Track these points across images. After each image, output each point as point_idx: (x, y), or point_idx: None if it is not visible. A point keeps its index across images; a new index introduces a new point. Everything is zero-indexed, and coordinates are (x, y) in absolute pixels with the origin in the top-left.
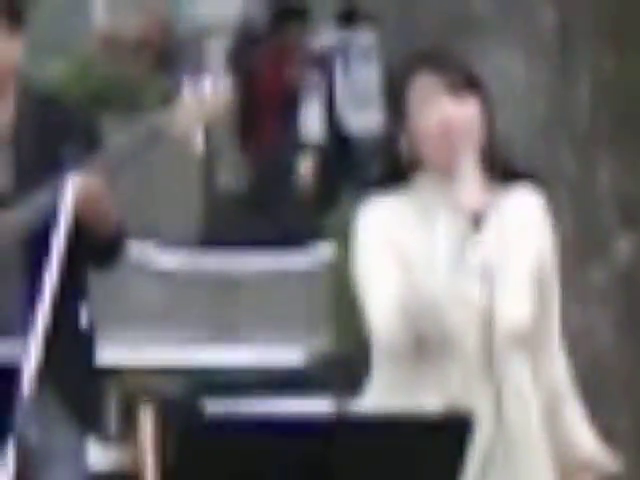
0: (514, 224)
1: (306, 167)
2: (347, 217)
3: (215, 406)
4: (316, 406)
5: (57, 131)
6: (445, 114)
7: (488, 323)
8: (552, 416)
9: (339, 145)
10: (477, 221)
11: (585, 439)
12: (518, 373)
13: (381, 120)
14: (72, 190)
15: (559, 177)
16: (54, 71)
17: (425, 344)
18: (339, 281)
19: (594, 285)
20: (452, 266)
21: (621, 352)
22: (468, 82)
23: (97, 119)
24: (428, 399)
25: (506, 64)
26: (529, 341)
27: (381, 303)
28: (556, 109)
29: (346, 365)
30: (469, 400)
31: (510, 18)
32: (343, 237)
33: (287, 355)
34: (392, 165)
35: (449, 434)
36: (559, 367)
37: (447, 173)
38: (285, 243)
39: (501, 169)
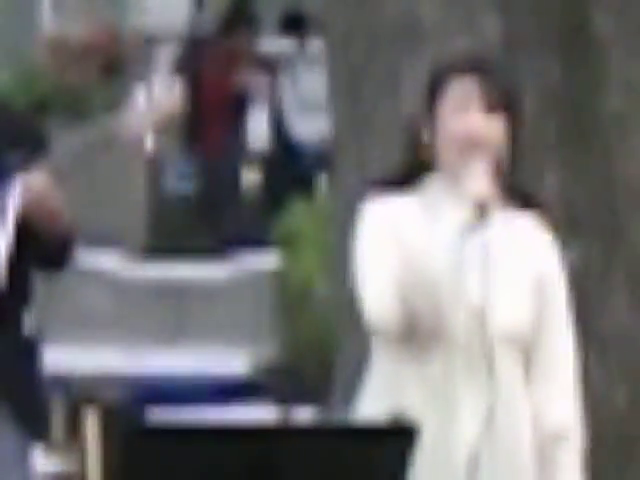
0: (518, 242)
1: (252, 173)
2: (292, 225)
3: (159, 413)
4: (260, 414)
5: (2, 137)
6: (474, 126)
7: (480, 319)
8: (544, 455)
9: (285, 151)
10: (484, 210)
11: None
12: (509, 378)
13: (326, 127)
14: (19, 194)
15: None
16: (0, 77)
17: (416, 329)
18: (285, 288)
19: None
20: (452, 256)
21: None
22: (504, 101)
23: (43, 125)
24: (411, 394)
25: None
26: (524, 349)
27: (377, 284)
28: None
29: (291, 373)
30: (452, 394)
31: (454, 30)
32: (288, 244)
33: (232, 362)
34: (411, 164)
35: (393, 442)
36: (564, 405)
37: (462, 168)
38: (231, 249)
39: (518, 196)
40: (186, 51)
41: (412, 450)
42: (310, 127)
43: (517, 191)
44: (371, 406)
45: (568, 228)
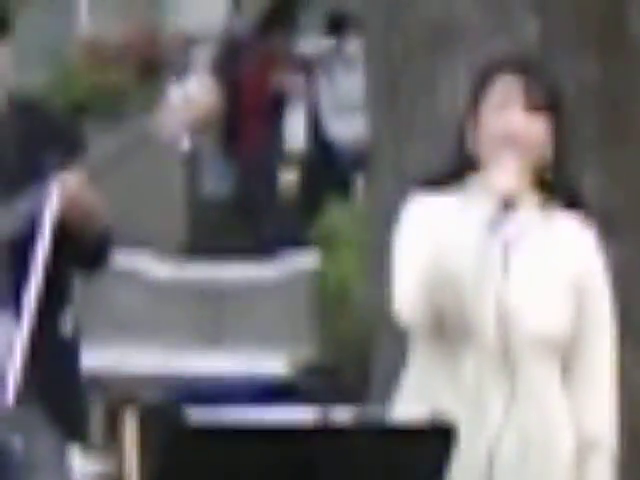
0: (558, 243)
1: (289, 174)
2: (330, 225)
3: (199, 414)
4: (299, 415)
5: (40, 138)
6: (514, 125)
7: (504, 318)
8: (579, 460)
9: (323, 152)
10: (510, 204)
11: None
12: (538, 379)
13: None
14: (56, 196)
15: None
16: (38, 78)
17: (445, 326)
18: (323, 289)
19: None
20: (479, 249)
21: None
22: (547, 100)
23: (80, 126)
24: (443, 395)
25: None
26: (557, 353)
27: (406, 280)
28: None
29: (329, 373)
30: (480, 393)
31: (493, 27)
32: (326, 244)
33: (271, 363)
34: (456, 161)
35: (432, 442)
36: (600, 411)
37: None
38: (269, 251)
39: (562, 195)
40: (224, 52)
41: (450, 450)
42: (347, 128)
43: (561, 190)
44: (407, 406)
45: (606, 227)
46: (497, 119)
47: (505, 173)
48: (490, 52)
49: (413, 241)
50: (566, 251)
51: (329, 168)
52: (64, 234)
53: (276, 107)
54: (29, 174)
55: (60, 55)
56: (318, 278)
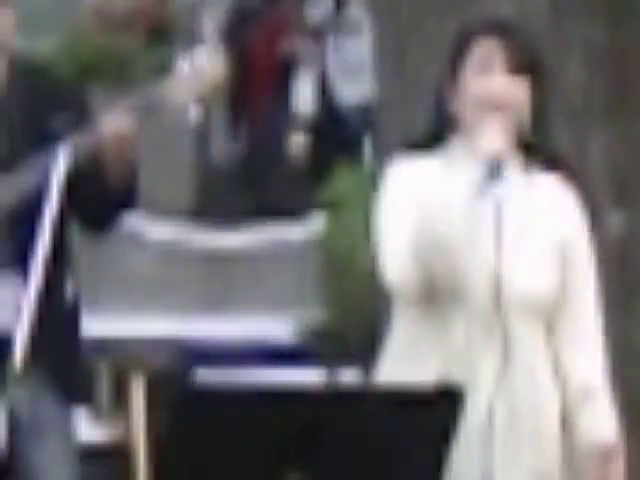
0: (540, 205)
1: (298, 139)
2: (338, 189)
3: (206, 377)
4: (306, 377)
5: (47, 102)
6: (497, 89)
7: (497, 281)
8: (574, 410)
9: (330, 117)
10: (497, 166)
11: (609, 433)
12: (527, 342)
13: (372, 91)
14: (64, 159)
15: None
16: (46, 43)
17: (434, 289)
18: (331, 253)
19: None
20: (467, 213)
21: (615, 329)
22: (528, 62)
23: (88, 91)
24: (430, 359)
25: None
26: (544, 316)
27: (394, 244)
28: (549, 84)
29: (337, 337)
30: (470, 357)
31: None
32: (334, 209)
33: (278, 327)
34: (436, 123)
35: (440, 406)
36: (590, 360)
37: (478, 126)
38: (276, 215)
39: (542, 156)
40: (233, 19)
41: (459, 415)
42: (354, 92)
43: (542, 153)
44: (391, 370)
45: (613, 193)
46: (479, 81)
47: (491, 136)
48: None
49: (398, 205)
50: (550, 213)
51: (337, 132)
52: (76, 192)
53: (285, 73)
54: (36, 139)
55: (69, 20)
56: (325, 242)
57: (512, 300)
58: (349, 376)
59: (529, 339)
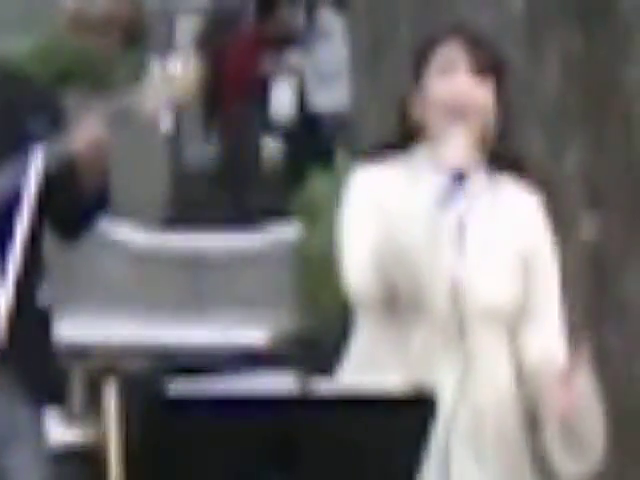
0: (504, 211)
1: (272, 145)
2: (313, 195)
3: (179, 384)
4: (280, 384)
5: (22, 107)
6: (461, 90)
7: (457, 290)
8: (537, 381)
9: (305, 123)
10: (460, 178)
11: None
12: (490, 350)
13: (347, 98)
14: (37, 165)
15: (526, 157)
16: (20, 47)
17: (396, 298)
18: (305, 259)
19: (559, 266)
20: (429, 223)
21: (587, 333)
22: (492, 66)
23: (63, 96)
24: (390, 368)
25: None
26: (507, 323)
27: (355, 252)
28: (524, 90)
29: (310, 343)
30: (430, 366)
31: (479, 3)
32: (309, 215)
33: (252, 332)
34: (400, 131)
35: (414, 411)
36: (550, 340)
37: (440, 137)
38: (251, 221)
39: (507, 162)
40: (211, 25)
41: (432, 420)
42: (329, 98)
43: (507, 157)
44: (351, 378)
45: (589, 200)
46: (442, 84)
47: (454, 146)
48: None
49: (360, 213)
50: (514, 220)
51: (311, 138)
52: (50, 197)
53: (261, 79)
54: (9, 145)
55: (43, 24)
56: (300, 248)
57: (475, 309)
58: (323, 382)
59: (492, 347)
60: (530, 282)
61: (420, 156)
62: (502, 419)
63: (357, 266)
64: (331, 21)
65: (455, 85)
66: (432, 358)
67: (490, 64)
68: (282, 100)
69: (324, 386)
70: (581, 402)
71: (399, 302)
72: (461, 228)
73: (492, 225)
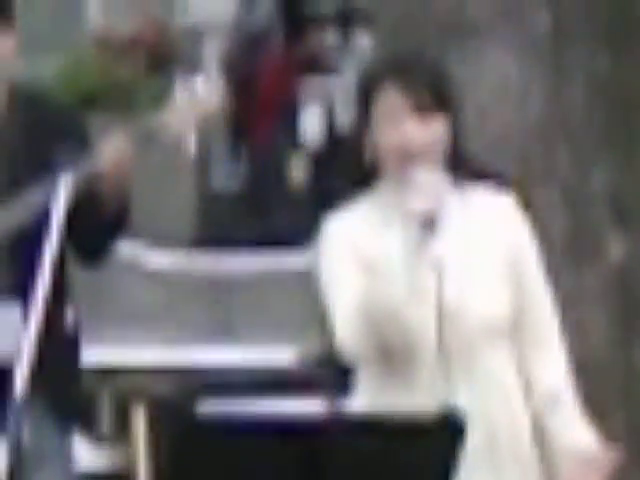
0: (480, 222)
1: (300, 167)
2: None
3: (208, 406)
4: (309, 406)
5: (47, 130)
6: (407, 135)
7: (448, 319)
8: (547, 414)
9: (334, 146)
10: (431, 223)
11: (583, 437)
12: (497, 367)
13: None
14: (65, 189)
15: (553, 177)
16: (47, 70)
17: (389, 351)
18: None
19: (587, 286)
20: (407, 268)
21: (614, 354)
22: (435, 100)
23: (88, 119)
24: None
25: (501, 65)
26: (509, 334)
27: (343, 311)
28: (551, 110)
29: (339, 365)
30: (441, 394)
31: (505, 20)
32: None
33: (280, 355)
34: (356, 171)
35: (442, 437)
36: (556, 366)
37: (403, 182)
38: (278, 243)
39: (467, 170)
40: (239, 46)
41: (461, 445)
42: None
43: (468, 167)
44: (364, 403)
45: (614, 218)
46: (387, 132)
47: (419, 194)
48: (501, 45)
49: (341, 266)
50: (491, 230)
51: (340, 161)
52: (75, 221)
53: (291, 102)
54: (36, 168)
55: (70, 47)
56: None
57: (474, 328)
58: (352, 405)
59: (497, 363)
60: (521, 284)
61: (385, 197)
62: (516, 435)
63: (346, 326)
64: (366, 44)
65: (399, 132)
66: (441, 388)
67: (432, 99)
68: (311, 123)
69: (353, 409)
70: None
71: (392, 352)
72: (438, 267)
73: (471, 241)
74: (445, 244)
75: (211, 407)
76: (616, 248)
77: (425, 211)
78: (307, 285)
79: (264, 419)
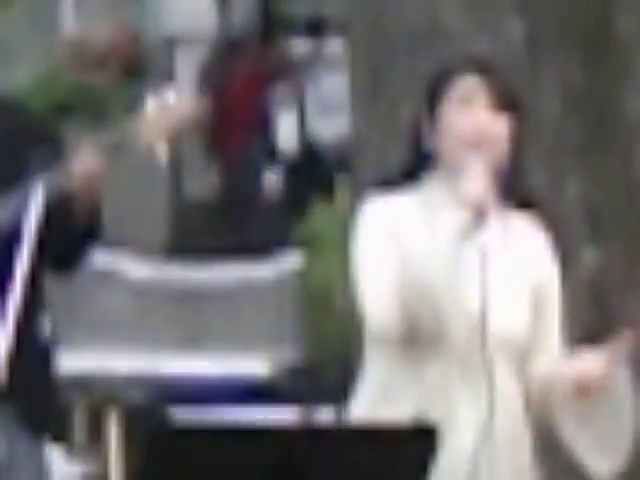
0: (516, 247)
1: (274, 176)
2: (314, 226)
3: (181, 415)
4: (282, 415)
5: (21, 138)
6: (482, 125)
7: (482, 325)
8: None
9: (307, 154)
10: (481, 213)
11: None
12: (506, 382)
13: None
14: (39, 196)
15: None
16: (19, 79)
17: (418, 333)
18: (306, 291)
19: (561, 297)
20: (452, 257)
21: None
22: (509, 100)
23: (61, 128)
24: (407, 402)
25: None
26: (519, 357)
27: (377, 287)
28: (524, 120)
29: (312, 374)
30: (447, 399)
31: (478, 30)
32: (310, 246)
33: (253, 364)
34: (412, 160)
35: (415, 444)
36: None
37: (461, 168)
38: (252, 253)
39: (518, 199)
40: (213, 57)
41: (434, 453)
42: (332, 129)
43: (516, 191)
44: (365, 412)
45: (587, 229)
46: (461, 117)
47: (475, 179)
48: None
49: (377, 247)
50: (524, 256)
51: (313, 169)
52: (48, 229)
53: (263, 111)
54: (8, 177)
55: (43, 55)
56: (302, 279)
57: (493, 340)
58: (324, 414)
59: (507, 377)
60: (538, 315)
61: (435, 186)
62: (517, 447)
63: (379, 303)
64: (339, 51)
65: (475, 118)
66: (448, 391)
67: (507, 100)
68: (286, 132)
69: (325, 418)
70: (605, 382)
71: (419, 337)
72: (483, 261)
73: (506, 260)
74: (490, 239)
75: (183, 414)
76: (589, 259)
77: (478, 197)
78: (281, 294)
79: (237, 427)
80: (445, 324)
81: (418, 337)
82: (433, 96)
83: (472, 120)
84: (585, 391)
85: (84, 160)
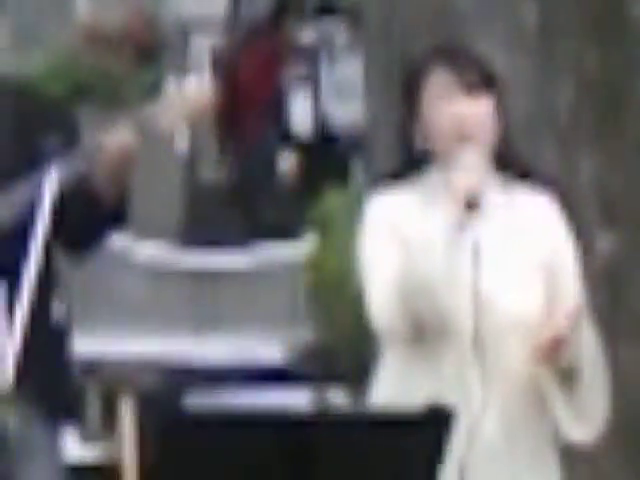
0: (522, 221)
1: (288, 161)
2: (328, 210)
3: (196, 399)
4: (296, 398)
5: (36, 123)
6: (459, 112)
7: (479, 308)
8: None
9: (322, 139)
10: (474, 205)
11: None
12: (518, 361)
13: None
14: (53, 181)
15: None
16: (36, 64)
17: (422, 329)
18: (320, 273)
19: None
20: (447, 251)
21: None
22: (483, 81)
23: (77, 113)
24: (424, 392)
25: (488, 61)
26: (533, 330)
27: (379, 288)
28: (538, 106)
29: (326, 357)
30: (461, 385)
31: (492, 15)
32: (325, 229)
33: (267, 347)
34: (406, 157)
35: (429, 429)
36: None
37: (451, 162)
38: (266, 236)
39: (517, 169)
40: (227, 42)
41: (448, 437)
42: (347, 113)
43: (514, 163)
44: (385, 397)
45: (602, 213)
46: (442, 114)
47: (464, 171)
48: (488, 41)
49: (381, 243)
50: (532, 230)
51: (328, 152)
52: (64, 212)
53: (278, 94)
54: (25, 159)
55: (58, 40)
56: (315, 263)
57: (499, 324)
58: (338, 396)
59: (519, 358)
60: (554, 288)
61: (434, 179)
62: (534, 427)
63: (381, 301)
64: (354, 36)
65: (455, 111)
66: (465, 377)
67: (482, 81)
68: (300, 115)
69: (339, 401)
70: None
71: (425, 332)
72: (477, 253)
73: (511, 237)
74: (485, 230)
75: (198, 399)
76: (603, 244)
77: (469, 190)
78: (295, 278)
79: (253, 412)
80: (447, 316)
81: (423, 333)
82: (411, 92)
83: (453, 114)
84: (554, 346)
85: (119, 134)
